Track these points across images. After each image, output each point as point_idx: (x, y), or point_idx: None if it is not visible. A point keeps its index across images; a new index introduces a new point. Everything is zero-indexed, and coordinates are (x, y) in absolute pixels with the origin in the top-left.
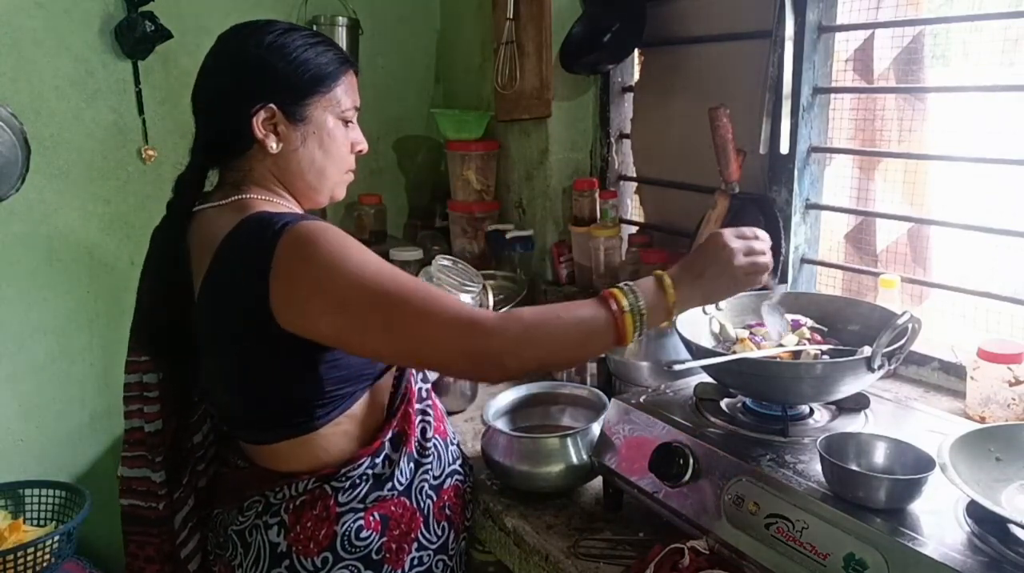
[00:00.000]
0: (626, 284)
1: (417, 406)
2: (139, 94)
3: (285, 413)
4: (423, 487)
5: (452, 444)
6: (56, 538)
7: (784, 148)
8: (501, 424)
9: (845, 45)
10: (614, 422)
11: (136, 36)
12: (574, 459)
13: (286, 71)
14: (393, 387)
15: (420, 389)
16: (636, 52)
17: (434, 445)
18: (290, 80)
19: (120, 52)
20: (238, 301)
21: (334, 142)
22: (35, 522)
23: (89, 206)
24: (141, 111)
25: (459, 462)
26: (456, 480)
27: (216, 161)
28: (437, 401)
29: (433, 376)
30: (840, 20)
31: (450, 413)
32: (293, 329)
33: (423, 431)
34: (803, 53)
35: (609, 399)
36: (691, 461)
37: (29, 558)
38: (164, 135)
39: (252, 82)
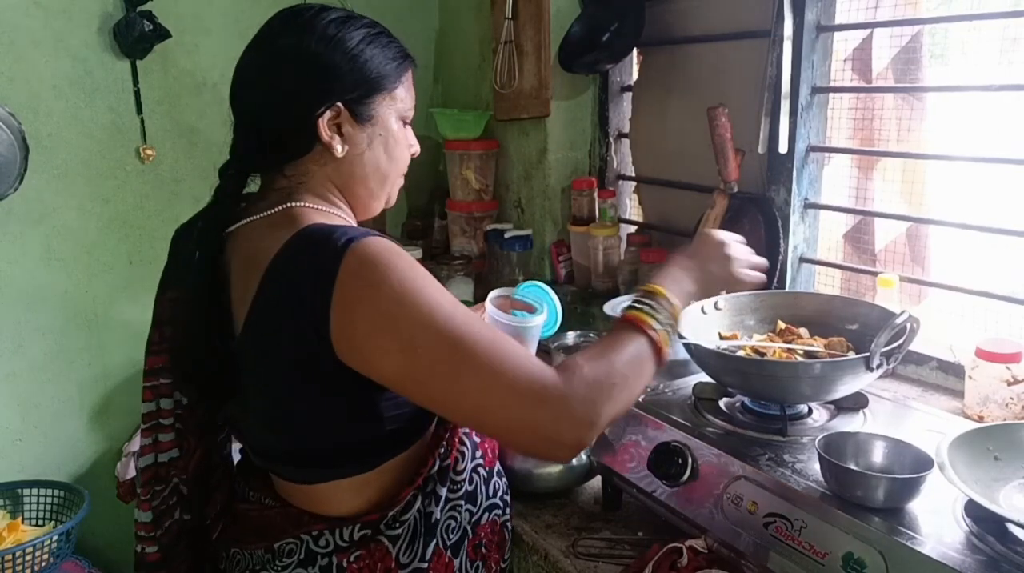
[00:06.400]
0: (645, 303)
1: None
2: (137, 93)
3: (338, 455)
4: (449, 524)
5: (497, 475)
6: (54, 538)
7: (783, 147)
8: None
9: (844, 44)
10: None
11: (134, 35)
12: (573, 459)
13: (353, 67)
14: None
15: None
16: (635, 52)
17: (469, 476)
18: (357, 77)
19: (118, 51)
20: (293, 329)
21: (397, 144)
22: (33, 522)
23: (88, 205)
24: (140, 110)
25: (499, 495)
26: (494, 514)
27: (266, 166)
28: None
29: None
30: (839, 19)
31: None
32: (352, 364)
33: (456, 461)
34: (802, 52)
35: None
36: (690, 460)
37: (28, 558)
38: (163, 134)
39: (317, 80)
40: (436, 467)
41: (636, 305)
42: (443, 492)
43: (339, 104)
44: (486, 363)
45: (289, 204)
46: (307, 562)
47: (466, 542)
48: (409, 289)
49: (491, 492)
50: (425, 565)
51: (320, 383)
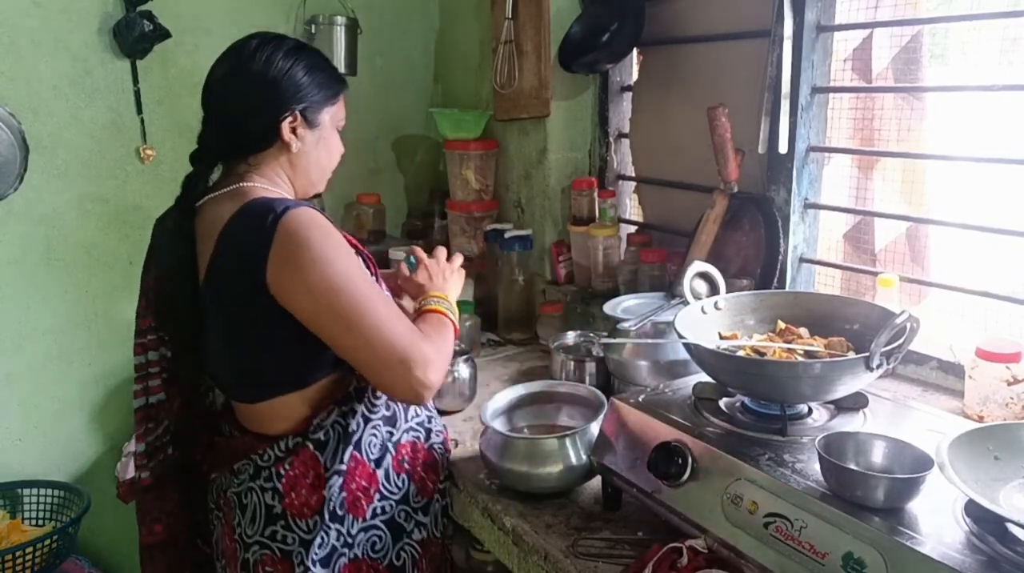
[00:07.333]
0: (441, 302)
1: None
2: (137, 93)
3: (278, 374)
4: (371, 441)
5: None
6: (54, 538)
7: (783, 147)
8: (499, 423)
9: (844, 44)
10: (613, 421)
11: (134, 35)
12: (573, 459)
13: (310, 83)
14: None
15: None
16: (635, 51)
17: (386, 402)
18: (312, 90)
19: (118, 51)
20: (241, 274)
21: (334, 147)
22: (33, 522)
23: (87, 205)
24: (139, 110)
25: (417, 420)
26: (413, 436)
27: (233, 157)
28: None
29: None
30: (839, 19)
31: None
32: (281, 303)
33: (374, 388)
34: (802, 52)
35: (608, 398)
36: (690, 460)
37: (28, 558)
38: (163, 134)
39: (283, 92)
40: (353, 386)
41: (438, 304)
42: (359, 409)
43: (297, 111)
44: (375, 322)
45: (242, 184)
46: (255, 476)
47: (389, 458)
48: (331, 255)
49: (409, 417)
50: (344, 467)
51: (260, 315)
